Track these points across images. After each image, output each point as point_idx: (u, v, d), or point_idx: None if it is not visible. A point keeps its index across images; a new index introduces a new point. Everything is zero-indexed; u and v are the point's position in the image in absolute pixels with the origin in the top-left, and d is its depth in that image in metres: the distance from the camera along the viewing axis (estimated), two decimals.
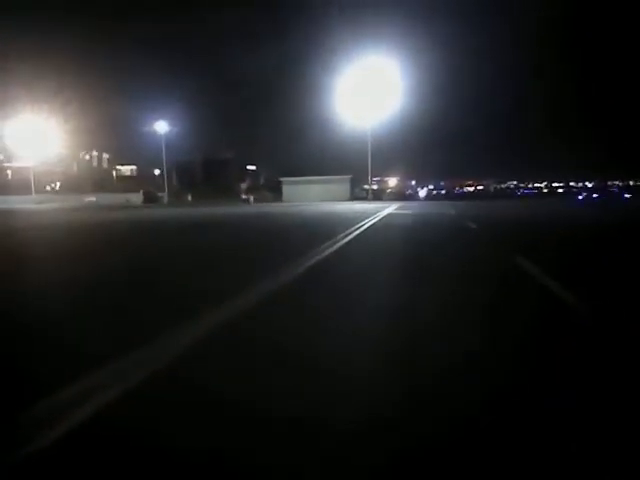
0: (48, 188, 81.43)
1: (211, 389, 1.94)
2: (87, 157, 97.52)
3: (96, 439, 1.58)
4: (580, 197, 59.30)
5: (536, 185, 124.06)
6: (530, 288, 4.05)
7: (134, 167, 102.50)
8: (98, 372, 2.05)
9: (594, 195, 62.46)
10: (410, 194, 63.21)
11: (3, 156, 78.93)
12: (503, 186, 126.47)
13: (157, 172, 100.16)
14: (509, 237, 9.07)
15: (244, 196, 73.54)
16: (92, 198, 55.82)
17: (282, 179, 51.25)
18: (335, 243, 7.32)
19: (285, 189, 49.70)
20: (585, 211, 22.35)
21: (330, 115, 60.36)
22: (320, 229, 11.12)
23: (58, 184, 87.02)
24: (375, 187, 57.26)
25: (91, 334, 2.68)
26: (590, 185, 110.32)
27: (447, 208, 25.24)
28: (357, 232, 9.44)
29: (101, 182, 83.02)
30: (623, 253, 6.56)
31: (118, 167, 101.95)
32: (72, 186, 77.75)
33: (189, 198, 74.51)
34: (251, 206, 36.54)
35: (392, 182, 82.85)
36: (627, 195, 57.64)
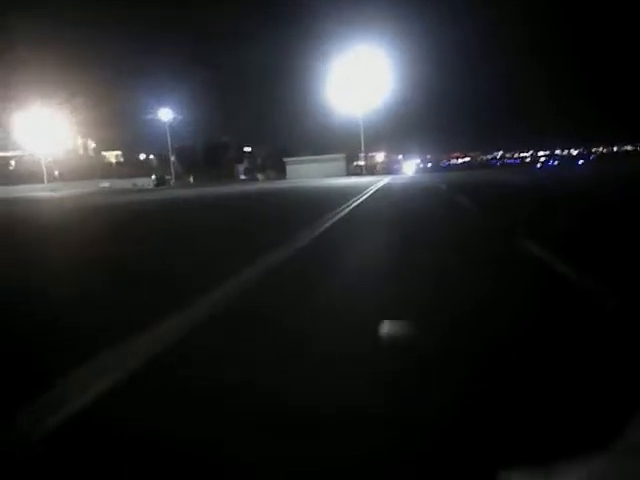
0: (50, 176, 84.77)
1: (319, 262, 7.35)
2: (79, 145, 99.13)
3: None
4: (538, 165, 67.63)
5: (522, 155, 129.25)
6: (452, 201, 9.57)
7: (119, 152, 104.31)
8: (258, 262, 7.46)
9: (552, 163, 70.54)
10: (397, 168, 68.58)
11: (11, 147, 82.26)
12: (489, 157, 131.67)
13: (142, 157, 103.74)
14: (460, 189, 14.66)
15: (243, 176, 78.56)
16: (106, 184, 60.40)
17: (285, 159, 56.57)
18: (353, 203, 12.43)
19: (288, 168, 55.07)
20: (521, 175, 28.37)
21: (323, 100, 65.20)
22: (335, 197, 15.45)
23: (57, 172, 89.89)
24: (362, 163, 62.55)
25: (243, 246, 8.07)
26: (575, 153, 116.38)
27: (428, 177, 30.98)
28: (366, 195, 14.73)
29: (97, 168, 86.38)
30: (507, 196, 12.16)
31: (103, 153, 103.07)
32: (71, 174, 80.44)
33: (191, 180, 79.22)
34: (260, 183, 41.79)
35: (380, 157, 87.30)
36: (580, 162, 65.72)
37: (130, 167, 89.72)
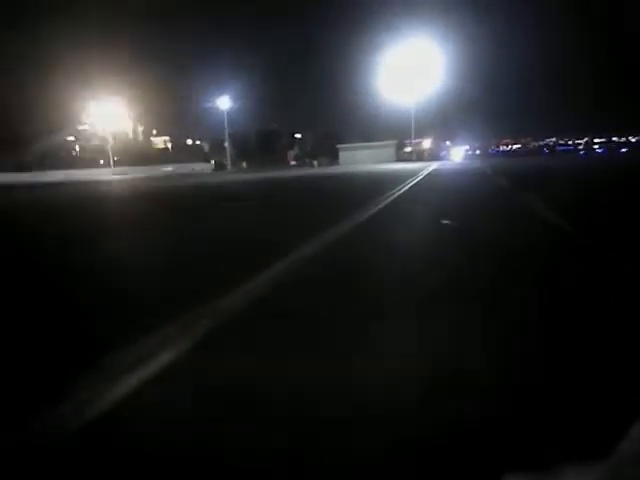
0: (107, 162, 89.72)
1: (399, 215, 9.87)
2: (133, 130, 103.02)
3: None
4: (582, 152, 68.01)
5: (577, 142, 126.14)
6: (495, 183, 11.88)
7: (167, 138, 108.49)
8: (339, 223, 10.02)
9: (599, 150, 70.87)
10: (444, 155, 69.79)
11: (80, 133, 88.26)
12: (542, 143, 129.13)
13: (189, 142, 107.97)
14: (503, 174, 16.73)
15: (293, 162, 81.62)
16: (169, 168, 64.89)
17: (338, 146, 59.35)
18: (407, 184, 15.02)
19: (341, 154, 57.93)
20: (562, 162, 29.56)
21: (375, 89, 67.12)
22: (390, 180, 18.00)
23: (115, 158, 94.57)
24: (409, 149, 64.12)
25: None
26: (634, 140, 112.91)
27: (476, 162, 32.84)
28: (418, 178, 17.09)
29: (151, 154, 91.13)
30: (557, 182, 14.26)
31: (151, 139, 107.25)
32: (128, 159, 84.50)
33: (244, 165, 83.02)
34: (317, 168, 44.58)
35: (427, 144, 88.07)
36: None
37: (185, 153, 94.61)
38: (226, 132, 71.32)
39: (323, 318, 2.14)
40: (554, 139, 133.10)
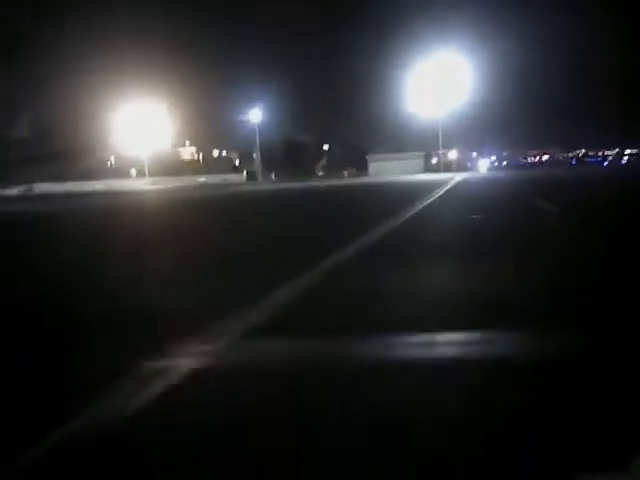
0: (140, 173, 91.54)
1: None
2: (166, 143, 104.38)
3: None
4: (605, 163, 69.53)
5: (607, 153, 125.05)
6: (512, 189, 13.37)
7: (194, 149, 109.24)
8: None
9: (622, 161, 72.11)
10: (471, 166, 70.93)
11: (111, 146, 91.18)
12: (571, 155, 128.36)
13: (216, 153, 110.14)
14: (526, 184, 18.14)
15: (320, 173, 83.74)
16: (202, 178, 67.61)
17: (368, 156, 61.48)
18: (438, 192, 16.53)
19: (371, 165, 60.16)
20: (585, 172, 30.67)
21: (403, 102, 69.04)
22: (423, 188, 19.64)
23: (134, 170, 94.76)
24: (435, 161, 65.63)
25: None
26: None
27: (502, 174, 34.20)
28: (448, 187, 18.60)
29: (180, 165, 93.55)
30: (576, 190, 15.68)
31: (178, 149, 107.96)
32: (158, 170, 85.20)
33: (272, 177, 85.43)
34: (347, 179, 46.43)
35: (453, 155, 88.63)
36: None
37: (213, 164, 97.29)
38: (257, 144, 73.86)
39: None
40: (583, 150, 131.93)
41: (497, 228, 5.67)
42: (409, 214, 7.51)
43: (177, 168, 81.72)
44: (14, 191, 42.04)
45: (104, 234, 7.32)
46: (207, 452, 1.27)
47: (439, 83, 63.35)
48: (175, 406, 1.52)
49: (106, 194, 33.55)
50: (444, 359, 1.82)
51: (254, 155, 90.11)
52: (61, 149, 69.97)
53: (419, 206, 8.89)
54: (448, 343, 2.01)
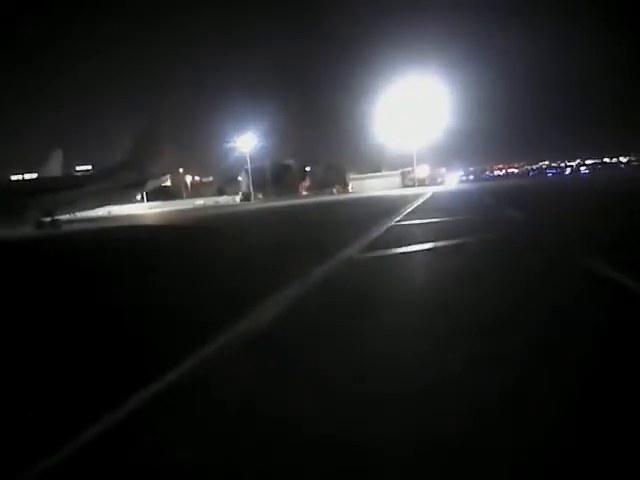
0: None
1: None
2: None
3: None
4: (567, 172, 78.98)
5: (569, 164, 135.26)
6: (476, 196, 20.38)
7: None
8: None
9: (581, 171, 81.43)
10: (441, 181, 79.05)
11: None
12: (535, 167, 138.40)
13: (197, 178, 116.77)
14: (485, 192, 25.21)
15: (304, 192, 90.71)
16: (200, 201, 73.82)
17: (352, 176, 69.19)
18: (417, 202, 23.42)
19: (353, 183, 67.80)
20: (534, 181, 38.32)
21: (377, 124, 77.00)
22: (402, 200, 26.39)
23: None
24: (411, 177, 73.55)
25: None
26: (625, 160, 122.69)
27: (467, 185, 41.74)
28: (425, 198, 25.50)
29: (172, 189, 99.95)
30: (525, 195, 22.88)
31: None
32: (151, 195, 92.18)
33: (260, 196, 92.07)
34: (335, 195, 53.57)
35: (423, 171, 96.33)
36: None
37: (198, 188, 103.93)
38: (249, 168, 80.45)
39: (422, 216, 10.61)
40: (547, 162, 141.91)
41: (461, 206, 12.41)
42: (404, 212, 14.21)
43: (167, 193, 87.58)
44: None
45: (254, 232, 13.91)
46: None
47: (411, 108, 71.72)
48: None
49: (164, 213, 39.37)
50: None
51: (239, 178, 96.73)
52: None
53: (404, 210, 15.57)
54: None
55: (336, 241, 7.87)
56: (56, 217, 25.09)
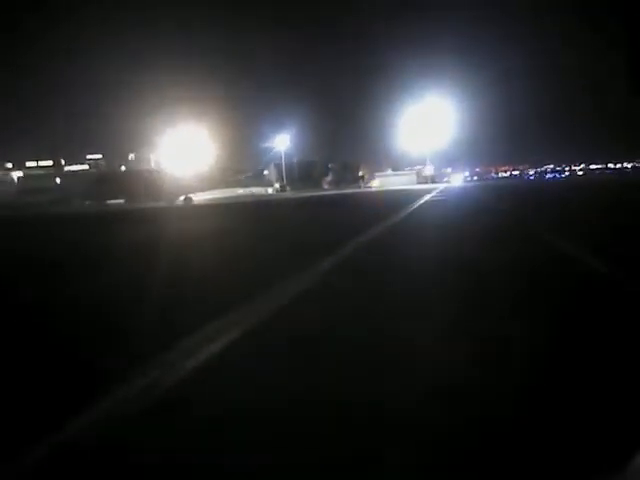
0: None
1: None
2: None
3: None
4: (563, 175, 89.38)
5: (574, 168, 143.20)
6: (474, 192, 32.04)
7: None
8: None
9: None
10: (446, 180, 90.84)
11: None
12: (539, 170, 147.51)
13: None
14: (483, 188, 36.71)
15: (326, 186, 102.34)
16: (240, 191, 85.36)
17: (376, 173, 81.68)
18: (432, 193, 34.74)
19: (377, 179, 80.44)
20: (533, 184, 49.90)
21: (396, 135, 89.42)
22: (420, 192, 37.50)
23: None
24: (425, 174, 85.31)
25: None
26: (629, 166, 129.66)
27: (469, 184, 53.55)
28: (437, 190, 36.83)
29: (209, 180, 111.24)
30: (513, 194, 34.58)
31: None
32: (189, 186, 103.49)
33: (288, 189, 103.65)
34: (363, 189, 65.41)
35: (429, 169, 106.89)
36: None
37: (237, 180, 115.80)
38: (282, 164, 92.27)
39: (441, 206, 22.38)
40: (552, 166, 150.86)
41: (465, 198, 23.84)
42: (427, 198, 25.72)
43: (210, 183, 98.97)
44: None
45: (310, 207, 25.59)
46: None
47: (427, 122, 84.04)
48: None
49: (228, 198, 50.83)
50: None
51: (265, 172, 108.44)
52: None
53: (435, 192, 27.07)
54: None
55: (411, 201, 19.41)
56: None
